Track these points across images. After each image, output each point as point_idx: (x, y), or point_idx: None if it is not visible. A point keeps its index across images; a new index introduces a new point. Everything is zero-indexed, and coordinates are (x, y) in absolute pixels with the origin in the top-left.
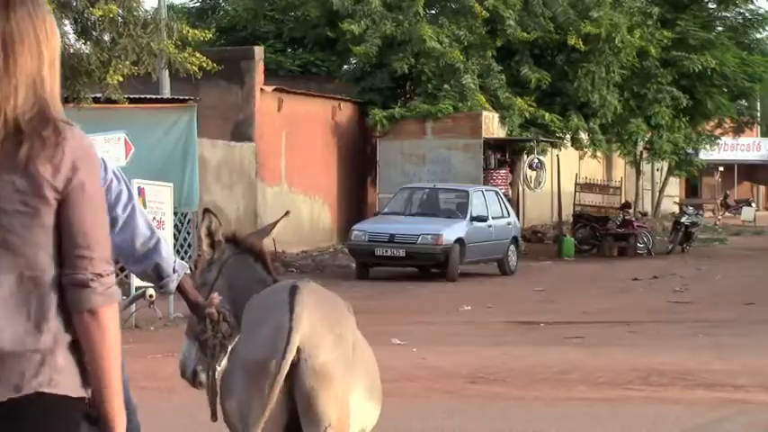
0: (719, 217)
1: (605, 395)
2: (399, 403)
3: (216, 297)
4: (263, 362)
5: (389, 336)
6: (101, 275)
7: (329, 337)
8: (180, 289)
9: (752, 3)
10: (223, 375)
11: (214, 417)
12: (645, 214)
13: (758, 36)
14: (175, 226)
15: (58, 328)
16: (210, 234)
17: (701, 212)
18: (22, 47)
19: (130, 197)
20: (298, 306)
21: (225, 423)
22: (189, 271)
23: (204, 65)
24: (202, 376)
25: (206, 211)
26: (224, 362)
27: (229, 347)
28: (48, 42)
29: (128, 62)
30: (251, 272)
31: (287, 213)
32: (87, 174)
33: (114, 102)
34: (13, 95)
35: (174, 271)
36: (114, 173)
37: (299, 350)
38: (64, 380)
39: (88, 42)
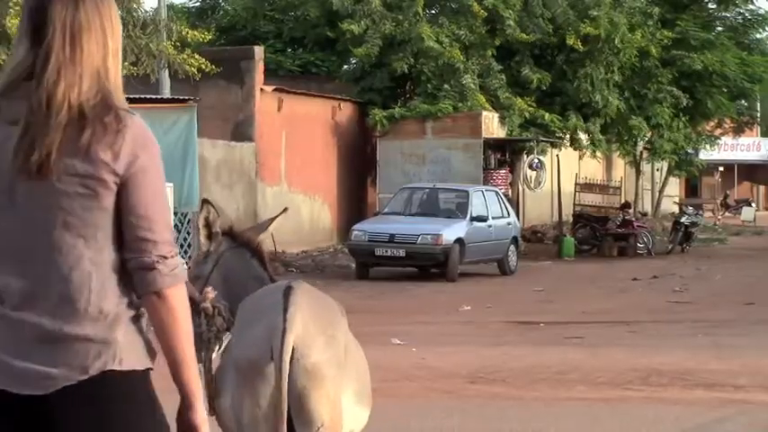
0: (719, 217)
1: (605, 395)
2: (398, 403)
3: (210, 291)
4: (255, 361)
5: (389, 336)
6: (165, 257)
7: (321, 338)
8: None
9: (752, 3)
10: (215, 374)
11: (212, 410)
12: (645, 214)
13: (758, 36)
14: (175, 226)
15: (119, 307)
16: (208, 225)
17: (700, 212)
18: (89, 36)
19: None
20: (291, 306)
21: (217, 423)
22: (185, 267)
23: (203, 66)
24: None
25: (204, 201)
26: (216, 354)
27: (225, 340)
28: (113, 33)
29: (126, 63)
30: (247, 268)
31: (285, 210)
32: (147, 160)
33: None
34: (77, 83)
35: None
36: None
37: (291, 350)
38: (128, 355)
39: None
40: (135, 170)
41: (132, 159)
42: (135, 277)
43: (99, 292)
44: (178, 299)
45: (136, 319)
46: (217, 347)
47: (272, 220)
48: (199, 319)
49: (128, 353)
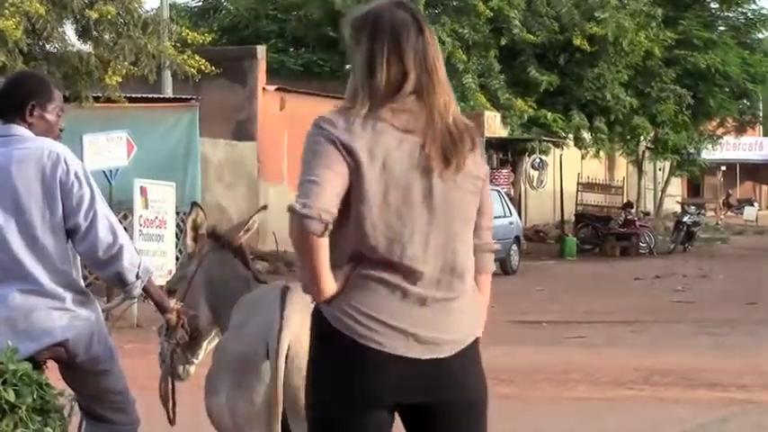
0: (722, 216)
1: (607, 395)
2: None
3: (174, 302)
4: (250, 358)
5: None
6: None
7: None
8: (146, 290)
9: (754, 2)
10: (209, 373)
11: (171, 422)
12: (647, 214)
13: (760, 36)
14: (177, 225)
15: (474, 284)
16: (195, 227)
17: (703, 212)
18: (441, 63)
19: (93, 201)
20: (288, 306)
21: (210, 421)
22: (153, 275)
23: (203, 68)
24: (180, 369)
25: (193, 204)
26: (191, 369)
27: (198, 353)
28: None
29: (126, 63)
30: (230, 268)
31: (264, 207)
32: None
33: (116, 101)
34: (453, 101)
35: (138, 277)
36: (77, 175)
37: (287, 349)
38: (479, 322)
39: (89, 42)
40: (485, 176)
41: (484, 168)
42: (480, 258)
43: (473, 275)
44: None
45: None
46: (182, 362)
47: (249, 218)
48: (160, 330)
49: (479, 320)
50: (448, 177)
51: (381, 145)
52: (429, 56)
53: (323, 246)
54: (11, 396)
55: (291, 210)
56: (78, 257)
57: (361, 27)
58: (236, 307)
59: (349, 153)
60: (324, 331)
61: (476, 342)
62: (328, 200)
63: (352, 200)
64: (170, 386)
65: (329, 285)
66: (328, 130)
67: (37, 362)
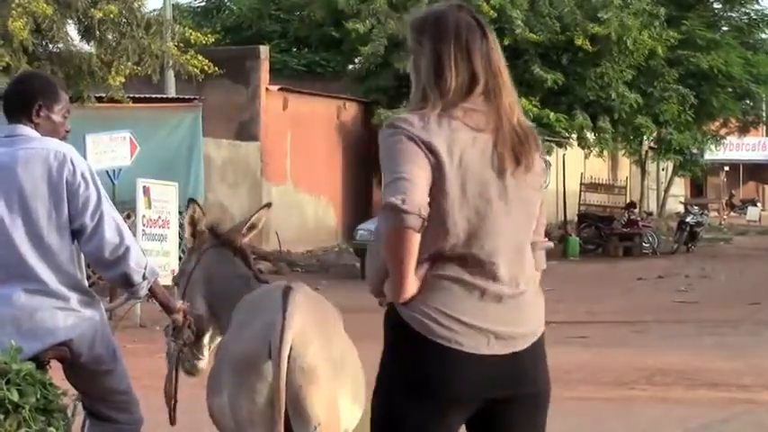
0: (725, 217)
1: (609, 395)
2: None
3: (182, 303)
4: (252, 358)
5: None
6: None
7: (318, 338)
8: (151, 291)
9: (757, 2)
10: (210, 373)
11: (172, 421)
12: (650, 214)
13: (763, 36)
14: (180, 225)
15: (535, 279)
16: (194, 223)
17: (706, 212)
18: (504, 65)
19: (99, 202)
20: (290, 306)
21: (211, 421)
22: (159, 276)
23: (206, 68)
24: (188, 366)
25: (190, 200)
26: (199, 364)
27: (202, 355)
28: None
29: (129, 63)
30: (230, 266)
31: (268, 205)
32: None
33: (119, 101)
34: (516, 104)
35: (144, 278)
36: (83, 176)
37: (289, 348)
38: (543, 315)
39: (92, 42)
40: (544, 171)
41: (544, 166)
42: (536, 256)
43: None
44: None
45: None
46: (188, 361)
47: (251, 217)
48: (167, 330)
49: (542, 314)
50: (519, 176)
51: (458, 143)
52: (494, 59)
53: (416, 243)
54: (14, 396)
55: (391, 206)
56: (83, 258)
57: (421, 29)
58: (238, 307)
59: (430, 150)
60: (401, 332)
61: (542, 336)
62: (422, 196)
63: (432, 197)
64: (173, 386)
65: (413, 285)
66: (407, 129)
67: (41, 361)
